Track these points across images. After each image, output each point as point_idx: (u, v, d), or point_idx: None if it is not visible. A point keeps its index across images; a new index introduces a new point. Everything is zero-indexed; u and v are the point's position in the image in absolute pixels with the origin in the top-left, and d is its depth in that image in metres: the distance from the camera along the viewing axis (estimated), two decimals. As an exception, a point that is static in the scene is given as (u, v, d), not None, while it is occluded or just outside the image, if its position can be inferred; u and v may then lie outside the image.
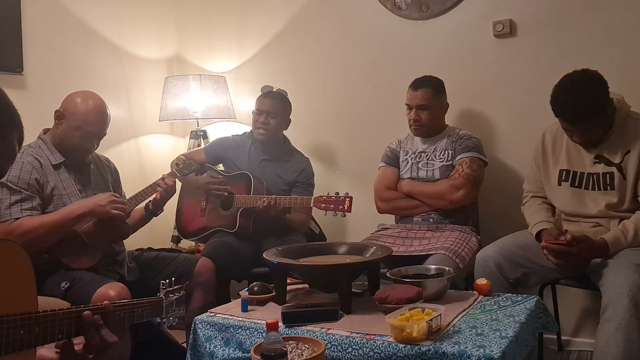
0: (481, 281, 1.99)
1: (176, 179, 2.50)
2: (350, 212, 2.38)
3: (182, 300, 1.51)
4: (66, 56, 2.98)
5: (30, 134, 2.21)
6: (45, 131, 2.24)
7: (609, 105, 2.05)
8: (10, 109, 1.12)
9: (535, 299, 1.90)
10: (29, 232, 1.98)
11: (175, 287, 1.50)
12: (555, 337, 2.57)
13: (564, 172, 2.19)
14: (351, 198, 2.38)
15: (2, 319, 1.04)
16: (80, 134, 2.16)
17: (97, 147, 2.28)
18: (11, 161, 1.14)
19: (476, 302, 1.89)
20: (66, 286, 2.03)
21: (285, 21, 3.28)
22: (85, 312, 1.17)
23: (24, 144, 2.18)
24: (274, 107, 2.74)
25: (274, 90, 2.83)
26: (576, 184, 2.16)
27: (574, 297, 2.59)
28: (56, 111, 2.20)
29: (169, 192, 2.40)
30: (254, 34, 3.38)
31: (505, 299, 1.91)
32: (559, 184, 2.20)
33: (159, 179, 2.41)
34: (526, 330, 1.71)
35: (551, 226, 2.15)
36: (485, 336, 1.57)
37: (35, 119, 2.24)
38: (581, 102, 2.00)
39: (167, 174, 2.46)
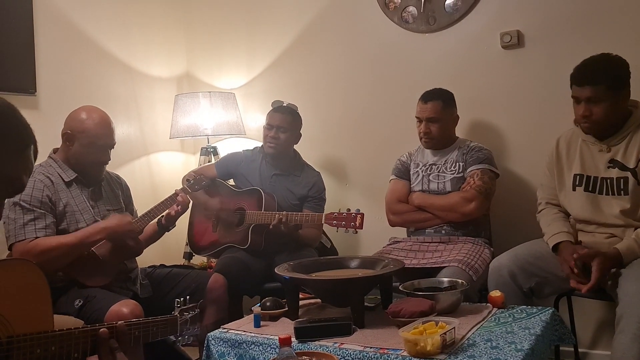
0: (495, 293, 1.97)
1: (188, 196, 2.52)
2: (362, 228, 2.38)
3: (196, 319, 1.51)
4: (78, 76, 3.02)
5: (43, 154, 2.25)
6: (55, 150, 2.27)
7: (623, 95, 2.05)
8: (25, 124, 1.14)
9: (551, 310, 1.88)
10: (45, 252, 2.00)
11: (190, 305, 1.51)
12: (572, 349, 2.53)
13: (578, 176, 2.18)
14: (362, 215, 2.38)
15: (19, 338, 1.05)
16: (95, 149, 2.20)
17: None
18: (29, 175, 1.16)
19: (490, 315, 1.87)
20: (80, 304, 2.04)
21: (293, 37, 3.31)
22: (102, 329, 1.18)
23: (36, 163, 2.22)
24: (284, 121, 2.76)
25: (284, 105, 2.85)
26: (590, 189, 2.14)
27: (591, 308, 2.56)
28: (64, 133, 2.21)
29: (182, 208, 2.42)
30: (263, 50, 3.41)
31: (520, 311, 1.89)
32: (574, 189, 2.19)
33: (172, 194, 2.42)
34: (542, 342, 1.69)
35: (570, 237, 2.13)
36: (501, 349, 1.55)
37: (48, 139, 2.26)
38: (597, 64, 2.06)
39: (179, 190, 2.47)
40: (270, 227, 2.55)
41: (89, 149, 2.19)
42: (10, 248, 2.07)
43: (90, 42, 3.10)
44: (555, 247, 2.12)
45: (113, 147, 2.29)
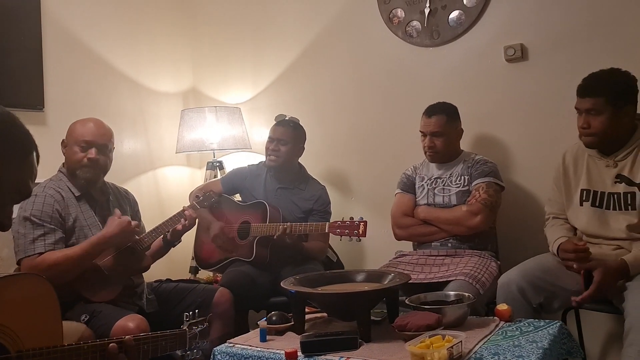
0: (502, 307, 1.97)
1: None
2: (365, 236, 2.38)
3: (205, 333, 1.51)
4: (86, 92, 3.05)
5: (52, 169, 2.28)
6: (64, 164, 2.29)
7: (626, 111, 2.04)
8: (25, 131, 1.16)
9: (558, 324, 1.87)
10: (52, 266, 2.01)
11: (199, 319, 1.51)
12: (581, 363, 2.51)
13: (585, 191, 2.18)
14: (365, 222, 2.39)
15: (28, 352, 1.05)
16: (79, 147, 2.20)
17: (106, 162, 2.25)
18: (34, 180, 1.18)
19: (497, 328, 1.87)
20: (86, 319, 2.04)
21: (298, 52, 3.34)
22: (111, 344, 1.18)
23: (46, 178, 2.23)
24: (285, 134, 2.78)
25: (287, 118, 2.87)
26: (597, 204, 2.14)
27: (599, 321, 2.54)
28: (62, 142, 2.27)
29: (190, 224, 2.42)
30: (268, 65, 3.44)
31: (527, 325, 1.88)
32: (580, 204, 2.18)
33: (180, 211, 2.42)
34: (550, 356, 1.68)
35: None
36: (508, 363, 1.55)
37: (56, 154, 2.29)
38: (601, 77, 2.07)
39: (188, 207, 2.48)
40: (275, 237, 2.55)
41: (74, 147, 2.21)
42: (18, 263, 2.08)
43: (97, 59, 3.13)
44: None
45: (105, 149, 2.24)
